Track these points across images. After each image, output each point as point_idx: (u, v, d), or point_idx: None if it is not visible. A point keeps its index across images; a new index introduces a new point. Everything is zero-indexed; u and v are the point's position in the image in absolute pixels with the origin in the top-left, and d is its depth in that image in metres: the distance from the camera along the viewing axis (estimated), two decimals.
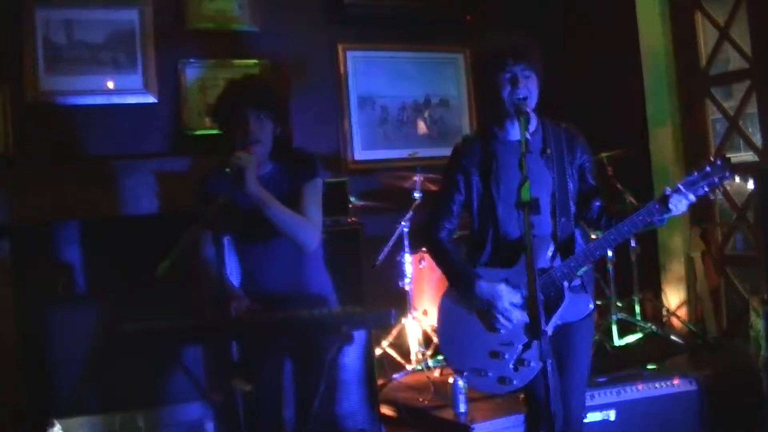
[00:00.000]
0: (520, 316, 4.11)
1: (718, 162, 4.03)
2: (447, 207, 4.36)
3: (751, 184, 6.30)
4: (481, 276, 4.17)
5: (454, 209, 4.35)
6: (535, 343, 4.02)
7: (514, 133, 4.21)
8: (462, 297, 4.25)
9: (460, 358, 4.26)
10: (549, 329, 4.08)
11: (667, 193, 4.03)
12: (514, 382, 4.13)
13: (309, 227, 4.36)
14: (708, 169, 4.01)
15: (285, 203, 4.30)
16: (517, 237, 4.20)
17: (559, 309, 4.13)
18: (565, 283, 4.14)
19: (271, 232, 4.30)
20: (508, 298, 4.12)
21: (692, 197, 4.02)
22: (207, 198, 4.28)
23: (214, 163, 4.44)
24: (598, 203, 4.37)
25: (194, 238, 4.24)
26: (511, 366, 4.12)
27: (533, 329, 3.68)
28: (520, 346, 4.13)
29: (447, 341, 4.38)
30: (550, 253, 4.19)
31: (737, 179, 5.15)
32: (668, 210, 4.02)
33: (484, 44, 4.34)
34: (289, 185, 4.43)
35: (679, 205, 4.01)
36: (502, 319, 4.11)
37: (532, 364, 4.08)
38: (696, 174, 4.03)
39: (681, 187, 4.02)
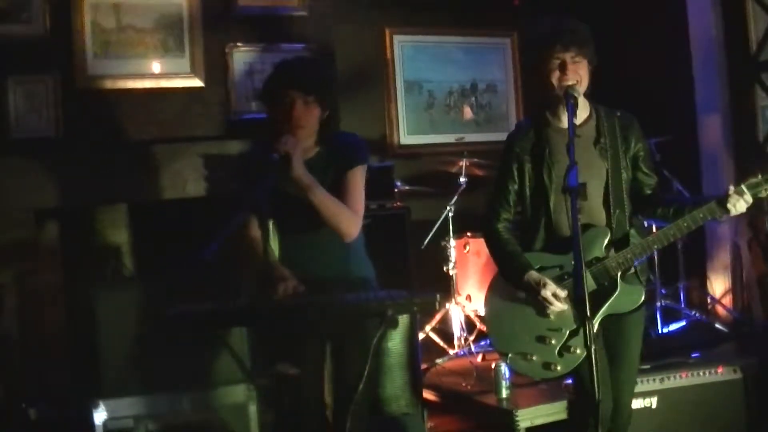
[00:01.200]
0: (565, 305, 4.09)
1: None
2: (503, 196, 4.32)
3: None
4: (532, 266, 4.15)
5: (509, 198, 4.31)
6: (581, 330, 3.96)
7: (567, 120, 4.16)
8: (513, 285, 4.23)
9: (507, 342, 4.24)
10: (598, 318, 4.08)
11: (730, 192, 4.00)
12: (558, 368, 4.10)
13: (351, 217, 4.32)
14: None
15: (330, 189, 4.26)
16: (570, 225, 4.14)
17: (611, 299, 4.10)
18: (619, 274, 4.11)
19: (315, 217, 4.30)
20: (552, 288, 4.07)
21: (750, 199, 3.99)
22: (251, 180, 4.27)
23: (258, 145, 4.45)
24: (652, 193, 4.32)
25: (241, 221, 4.25)
26: (556, 352, 4.11)
27: (580, 314, 3.73)
28: (568, 332, 4.10)
29: (495, 325, 4.37)
30: (605, 243, 4.15)
31: None
32: (727, 211, 3.99)
33: (534, 28, 4.27)
34: (334, 170, 4.37)
35: (738, 205, 3.97)
36: (547, 305, 4.10)
37: (578, 350, 4.04)
38: (760, 176, 4.00)
39: (744, 188, 3.99)
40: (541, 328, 4.14)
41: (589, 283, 4.02)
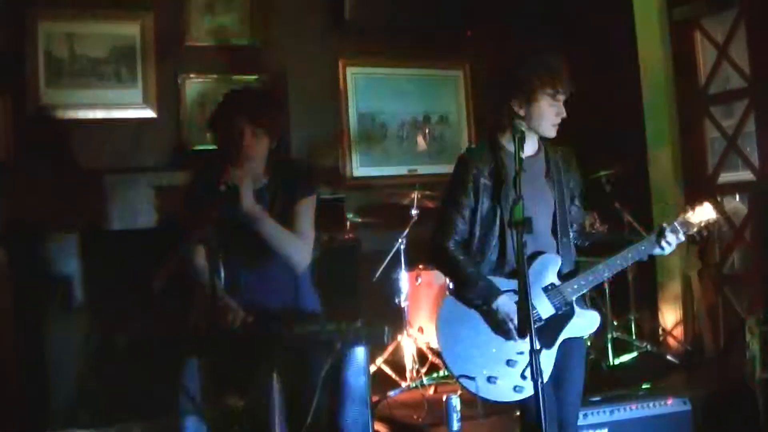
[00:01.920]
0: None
1: (707, 204, 4.31)
2: (457, 212, 4.28)
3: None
4: (501, 290, 4.14)
5: (465, 214, 4.27)
6: (543, 351, 3.99)
7: (526, 148, 4.21)
8: (475, 307, 4.22)
9: (472, 367, 4.18)
10: (558, 341, 4.17)
11: (662, 227, 4.23)
12: (525, 390, 4.12)
13: (301, 247, 4.36)
14: (697, 210, 4.30)
15: (279, 219, 4.29)
16: (528, 249, 4.11)
17: (569, 323, 4.18)
18: (575, 299, 4.19)
19: (264, 248, 4.30)
20: (515, 326, 4.11)
21: (682, 237, 4.26)
22: (197, 210, 4.25)
23: (204, 174, 4.43)
24: (582, 226, 4.48)
25: (187, 251, 4.24)
26: (520, 374, 4.12)
27: (546, 340, 4.03)
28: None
29: (453, 349, 4.27)
30: (557, 270, 4.23)
31: (737, 197, 5.21)
32: (660, 246, 4.24)
33: (536, 59, 4.27)
34: (283, 200, 4.40)
35: (672, 241, 4.23)
36: (515, 334, 4.11)
37: (542, 372, 4.10)
38: (689, 214, 4.29)
39: (677, 225, 4.24)
40: (510, 352, 4.14)
41: (548, 309, 4.16)
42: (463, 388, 4.23)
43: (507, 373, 4.14)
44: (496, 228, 4.23)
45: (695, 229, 4.29)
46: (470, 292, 4.23)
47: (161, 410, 5.95)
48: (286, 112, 7.35)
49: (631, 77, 7.94)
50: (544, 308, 4.17)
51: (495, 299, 4.13)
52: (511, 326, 4.10)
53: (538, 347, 3.73)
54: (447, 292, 4.41)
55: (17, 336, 6.29)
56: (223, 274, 4.33)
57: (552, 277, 4.20)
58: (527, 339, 4.05)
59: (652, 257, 4.34)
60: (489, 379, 4.14)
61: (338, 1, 7.94)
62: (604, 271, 4.22)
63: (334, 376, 4.39)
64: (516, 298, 4.10)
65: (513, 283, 4.13)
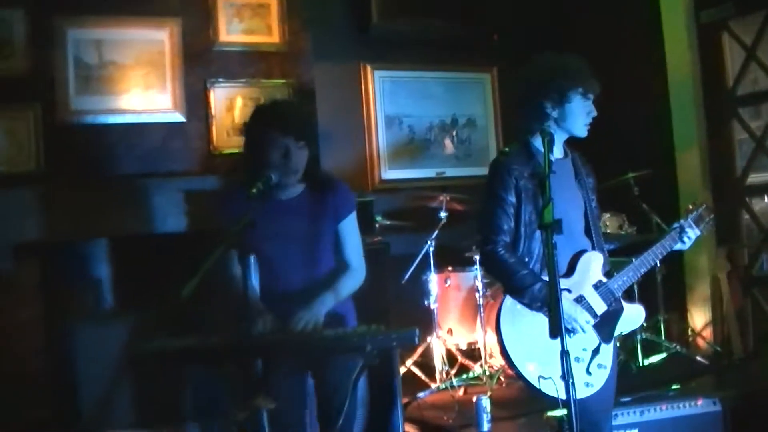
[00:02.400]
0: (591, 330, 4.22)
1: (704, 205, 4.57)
2: (502, 214, 4.29)
3: None
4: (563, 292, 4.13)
5: (510, 214, 4.29)
6: (602, 347, 4.21)
7: (556, 150, 4.31)
8: (537, 309, 4.24)
9: (545, 367, 4.14)
10: (615, 337, 4.34)
11: (681, 224, 4.46)
12: (593, 385, 4.18)
13: (357, 280, 4.59)
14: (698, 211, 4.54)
15: (315, 226, 4.46)
16: (569, 250, 4.28)
17: (620, 318, 4.29)
18: (621, 294, 4.30)
19: (295, 251, 4.41)
20: (584, 317, 4.18)
21: (698, 232, 4.47)
22: (231, 217, 4.29)
23: (238, 182, 4.49)
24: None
25: (220, 257, 4.27)
26: (585, 370, 4.18)
27: (604, 335, 4.22)
28: (591, 351, 4.22)
29: (515, 346, 4.26)
30: (601, 267, 4.31)
31: (766, 199, 5.21)
32: (682, 241, 4.43)
33: (564, 61, 4.34)
34: (325, 213, 4.52)
35: (692, 235, 4.45)
36: (581, 330, 4.17)
37: (606, 366, 4.20)
38: (695, 211, 4.56)
39: (691, 221, 4.50)
40: (576, 349, 4.15)
41: (601, 305, 4.26)
42: (526, 386, 4.23)
43: (577, 369, 4.12)
44: (539, 231, 4.21)
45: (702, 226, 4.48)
46: (526, 295, 4.23)
47: (191, 414, 6.01)
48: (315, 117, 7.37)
49: (659, 80, 7.93)
50: (597, 305, 4.25)
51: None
52: (575, 325, 4.14)
53: (598, 343, 4.11)
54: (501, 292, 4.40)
55: (49, 342, 6.34)
56: (258, 278, 4.40)
57: (599, 275, 4.29)
58: (589, 335, 4.18)
59: (681, 257, 4.43)
60: (550, 373, 4.10)
61: (365, 6, 7.97)
62: (640, 266, 4.34)
63: (365, 379, 4.42)
64: (571, 296, 4.20)
65: (565, 282, 4.22)
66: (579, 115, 4.26)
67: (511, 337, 4.27)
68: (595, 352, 4.20)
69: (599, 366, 4.20)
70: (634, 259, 4.38)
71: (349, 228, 4.60)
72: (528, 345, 4.22)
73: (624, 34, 8.23)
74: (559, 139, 4.32)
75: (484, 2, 8.40)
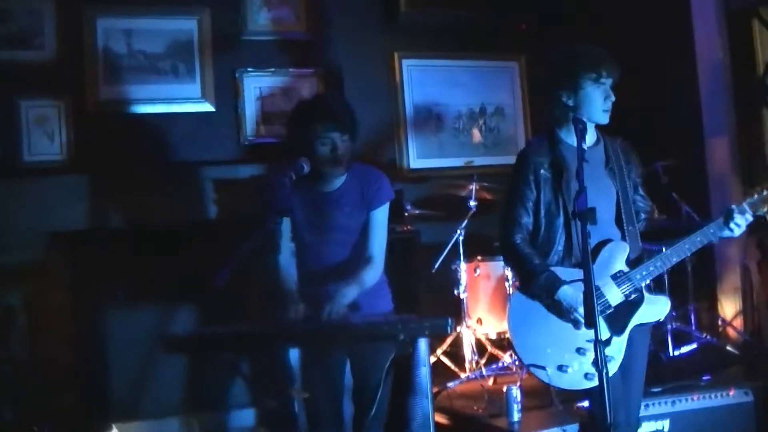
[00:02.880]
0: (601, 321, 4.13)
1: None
2: (521, 205, 4.36)
3: None
4: (564, 281, 4.19)
5: (528, 207, 4.35)
6: (613, 339, 4.14)
7: (586, 139, 4.28)
8: (541, 300, 4.27)
9: (543, 356, 4.23)
10: (629, 329, 4.22)
11: (731, 208, 4.17)
12: (597, 377, 4.14)
13: (377, 272, 4.61)
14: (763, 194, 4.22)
15: (354, 216, 4.58)
16: (594, 238, 4.20)
17: (639, 310, 4.22)
18: (644, 285, 4.23)
19: (336, 240, 4.54)
20: (581, 314, 4.12)
21: (750, 217, 4.19)
22: (272, 207, 4.33)
23: (279, 169, 4.51)
24: (647, 216, 4.52)
25: (254, 245, 4.29)
26: (591, 362, 4.13)
27: (616, 328, 4.14)
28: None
29: (525, 339, 4.33)
30: (625, 256, 4.26)
31: None
32: (729, 228, 4.19)
33: (575, 49, 4.35)
34: (360, 202, 4.61)
35: (741, 222, 4.17)
36: (582, 323, 4.13)
37: (613, 359, 4.13)
38: (757, 196, 4.21)
39: (745, 205, 4.19)
40: (579, 340, 4.18)
41: (617, 296, 4.20)
42: (535, 377, 4.26)
43: (578, 360, 4.18)
44: (560, 220, 4.29)
45: (766, 209, 4.23)
46: (533, 285, 4.26)
47: (221, 402, 6.03)
48: None
49: (689, 68, 7.88)
50: (613, 295, 4.20)
51: (557, 291, 4.18)
52: (577, 316, 4.13)
53: (608, 335, 3.98)
54: (515, 288, 4.43)
55: (79, 330, 6.38)
56: (296, 265, 4.50)
57: (620, 265, 4.24)
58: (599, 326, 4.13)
59: (711, 246, 4.33)
60: (560, 367, 4.19)
61: None
62: (672, 255, 4.23)
63: (397, 367, 4.43)
64: (582, 287, 4.14)
65: (580, 273, 4.14)
66: (595, 102, 4.24)
67: (519, 334, 4.34)
68: (606, 344, 4.06)
69: (607, 359, 4.04)
70: (665, 248, 4.30)
71: (379, 218, 4.64)
72: (536, 339, 4.25)
73: (652, 21, 8.18)
74: (588, 126, 4.29)
75: None
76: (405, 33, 8.19)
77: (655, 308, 4.28)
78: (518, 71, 8.64)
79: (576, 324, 4.16)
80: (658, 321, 4.35)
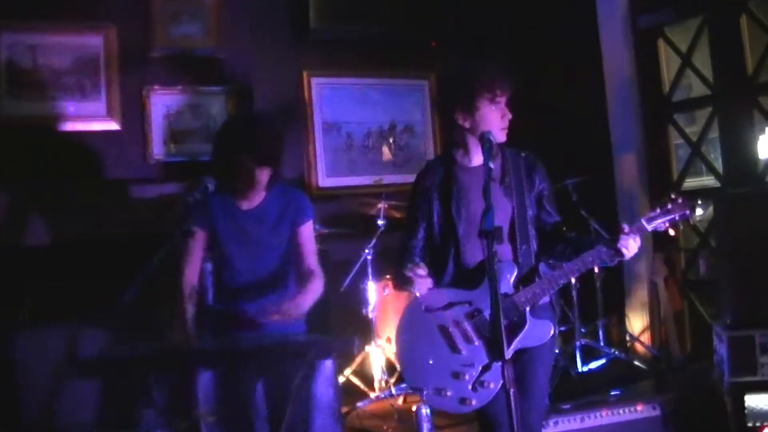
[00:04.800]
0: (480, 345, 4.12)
1: (680, 200, 4.13)
2: (413, 231, 4.40)
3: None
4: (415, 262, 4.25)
5: (419, 233, 4.38)
6: (494, 365, 4.05)
7: (475, 158, 4.28)
8: (400, 286, 4.36)
9: (421, 377, 4.21)
10: (509, 353, 3.98)
11: (623, 227, 4.09)
12: (473, 403, 4.09)
13: (320, 283, 4.71)
14: (669, 206, 4.12)
15: (273, 232, 4.64)
16: (479, 260, 4.20)
17: (521, 334, 4.09)
18: (528, 309, 4.12)
19: (257, 253, 4.60)
20: (422, 272, 4.19)
21: (639, 240, 4.09)
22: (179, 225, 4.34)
23: (190, 188, 4.50)
24: (554, 231, 4.38)
25: (161, 262, 4.25)
26: (470, 387, 4.11)
27: (495, 353, 3.85)
28: (480, 367, 4.10)
29: (408, 360, 4.33)
30: (512, 278, 4.17)
31: (699, 211, 5.15)
32: (620, 253, 4.08)
33: (468, 67, 4.29)
34: (282, 221, 4.68)
35: (630, 245, 4.07)
36: (458, 345, 4.12)
37: (492, 385, 4.05)
38: (658, 210, 4.13)
39: (643, 222, 4.11)
40: (455, 364, 4.13)
41: None
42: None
43: (453, 385, 4.12)
44: (453, 240, 4.27)
45: (664, 226, 4.15)
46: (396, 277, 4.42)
47: (132, 424, 5.92)
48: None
49: (597, 85, 7.98)
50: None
51: (405, 268, 4.22)
52: (453, 335, 4.13)
53: (486, 361, 4.01)
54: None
55: None
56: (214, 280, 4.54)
57: (505, 286, 4.13)
58: (474, 350, 4.11)
59: (620, 262, 4.28)
60: (438, 390, 4.15)
61: (303, 12, 7.92)
62: (560, 277, 4.15)
63: (304, 387, 4.40)
64: (467, 309, 4.14)
65: (469, 295, 4.17)
66: (491, 121, 4.18)
67: (403, 349, 4.36)
68: (486, 368, 4.09)
69: (484, 383, 4.08)
70: (551, 271, 4.25)
71: (307, 234, 4.75)
72: (418, 358, 4.23)
73: (562, 38, 8.26)
74: (476, 145, 4.24)
75: (422, 9, 8.37)
76: (315, 50, 8.17)
77: (537, 332, 4.15)
78: (428, 89, 8.65)
79: (455, 344, 4.13)
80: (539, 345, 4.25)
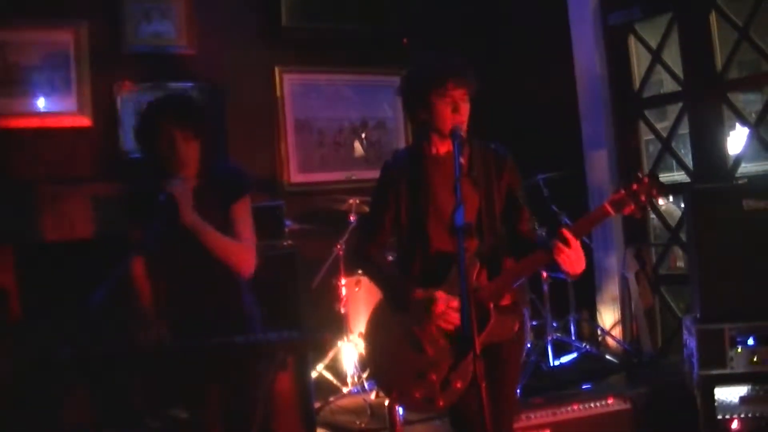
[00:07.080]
0: (454, 327, 4.06)
1: (645, 179, 3.94)
2: (378, 222, 4.35)
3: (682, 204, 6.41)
4: (415, 284, 4.13)
5: (384, 224, 4.32)
6: (461, 364, 4.01)
7: (441, 149, 4.25)
8: (398, 306, 4.20)
9: (389, 379, 4.24)
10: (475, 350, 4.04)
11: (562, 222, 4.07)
12: (441, 403, 4.09)
13: (246, 252, 4.37)
14: (635, 186, 3.94)
15: (213, 222, 4.29)
16: (447, 253, 4.12)
17: (486, 330, 4.02)
18: (492, 304, 4.08)
19: (208, 256, 4.29)
20: (447, 300, 4.04)
21: (581, 253, 3.99)
22: (138, 220, 4.25)
23: (142, 183, 4.44)
24: (522, 225, 4.30)
25: (128, 263, 4.23)
26: (438, 386, 4.09)
27: (464, 349, 3.78)
28: (447, 367, 4.07)
29: (375, 362, 4.36)
30: (476, 273, 4.11)
31: (671, 198, 5.19)
32: (559, 266, 3.94)
33: (422, 64, 4.26)
34: (216, 203, 4.40)
35: (571, 258, 3.95)
36: (422, 345, 4.11)
37: (459, 385, 4.03)
38: (622, 192, 3.97)
39: (607, 205, 3.99)
40: (420, 364, 4.11)
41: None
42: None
43: (420, 386, 4.11)
44: (421, 233, 4.23)
45: (633, 206, 3.95)
46: (388, 292, 4.29)
47: (104, 423, 5.91)
48: (221, 117, 7.31)
49: (567, 81, 8.01)
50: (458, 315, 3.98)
51: (411, 293, 4.11)
52: (419, 335, 4.11)
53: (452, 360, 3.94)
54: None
55: None
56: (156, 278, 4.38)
57: (472, 281, 4.07)
58: (441, 350, 4.09)
59: (590, 256, 4.24)
60: (405, 391, 4.14)
61: (274, 9, 7.90)
62: (522, 271, 4.10)
63: (276, 384, 4.40)
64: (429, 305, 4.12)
65: (439, 288, 4.11)
66: (444, 115, 4.11)
67: (371, 347, 4.39)
68: (453, 367, 4.05)
69: (451, 383, 4.04)
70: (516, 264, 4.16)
71: (240, 212, 4.44)
72: (384, 355, 4.26)
73: (532, 34, 8.30)
74: (439, 137, 4.21)
75: (393, 6, 8.37)
76: (287, 46, 8.14)
77: (503, 328, 4.12)
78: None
79: (420, 344, 4.11)
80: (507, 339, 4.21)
